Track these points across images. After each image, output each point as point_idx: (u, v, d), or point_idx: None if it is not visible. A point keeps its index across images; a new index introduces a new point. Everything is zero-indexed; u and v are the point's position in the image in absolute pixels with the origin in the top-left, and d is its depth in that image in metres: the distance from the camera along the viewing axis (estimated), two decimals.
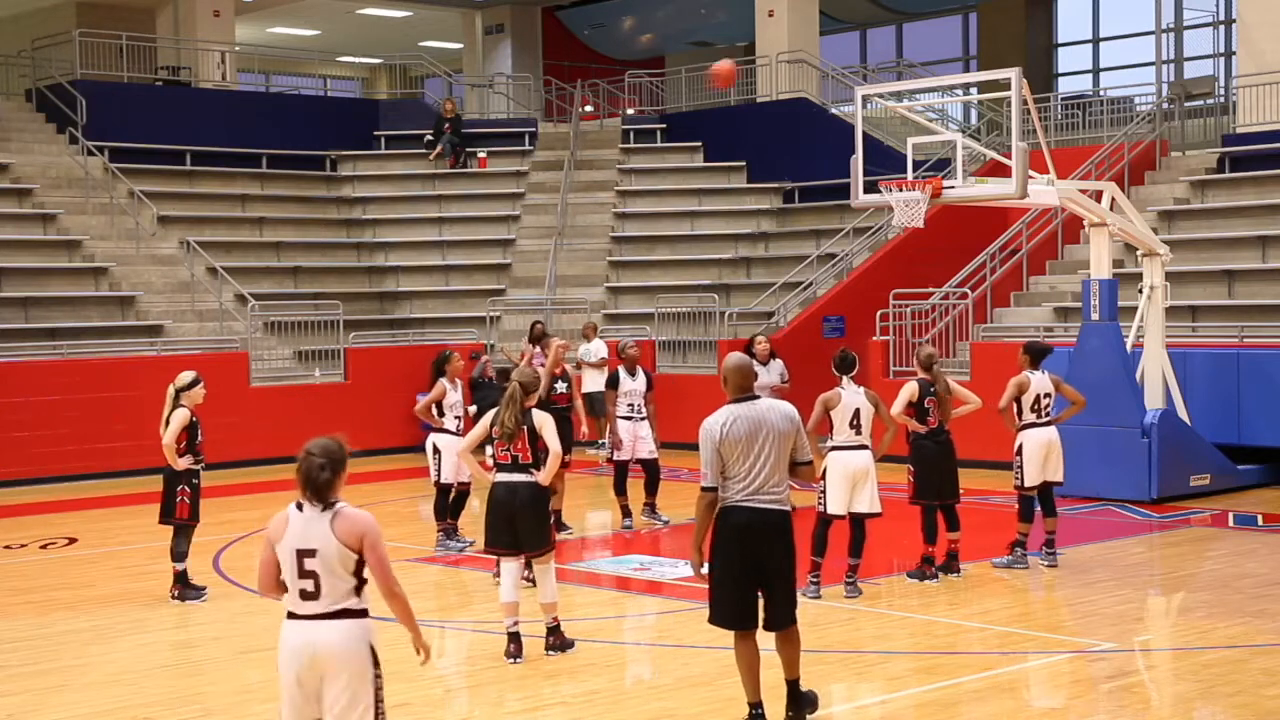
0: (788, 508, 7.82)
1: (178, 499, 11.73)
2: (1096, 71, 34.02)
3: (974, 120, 29.65)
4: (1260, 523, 14.91)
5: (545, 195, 27.85)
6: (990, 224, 22.19)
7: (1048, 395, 12.51)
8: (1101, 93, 30.00)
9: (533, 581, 10.43)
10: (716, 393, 8.05)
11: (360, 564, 5.93)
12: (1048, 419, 12.49)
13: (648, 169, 28.69)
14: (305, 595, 5.90)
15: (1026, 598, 11.70)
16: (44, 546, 14.77)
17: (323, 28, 38.84)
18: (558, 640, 9.83)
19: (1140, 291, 16.92)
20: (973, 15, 36.18)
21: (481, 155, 28.75)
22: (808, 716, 8.06)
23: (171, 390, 11.88)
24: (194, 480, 11.70)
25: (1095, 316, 16.31)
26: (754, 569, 7.70)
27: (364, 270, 26.42)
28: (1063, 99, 28.33)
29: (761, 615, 7.79)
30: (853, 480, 11.20)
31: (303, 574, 5.90)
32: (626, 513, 15.14)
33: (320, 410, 21.72)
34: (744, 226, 27.00)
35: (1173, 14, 29.19)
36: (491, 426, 9.86)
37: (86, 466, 19.63)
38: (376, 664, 5.93)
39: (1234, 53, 26.16)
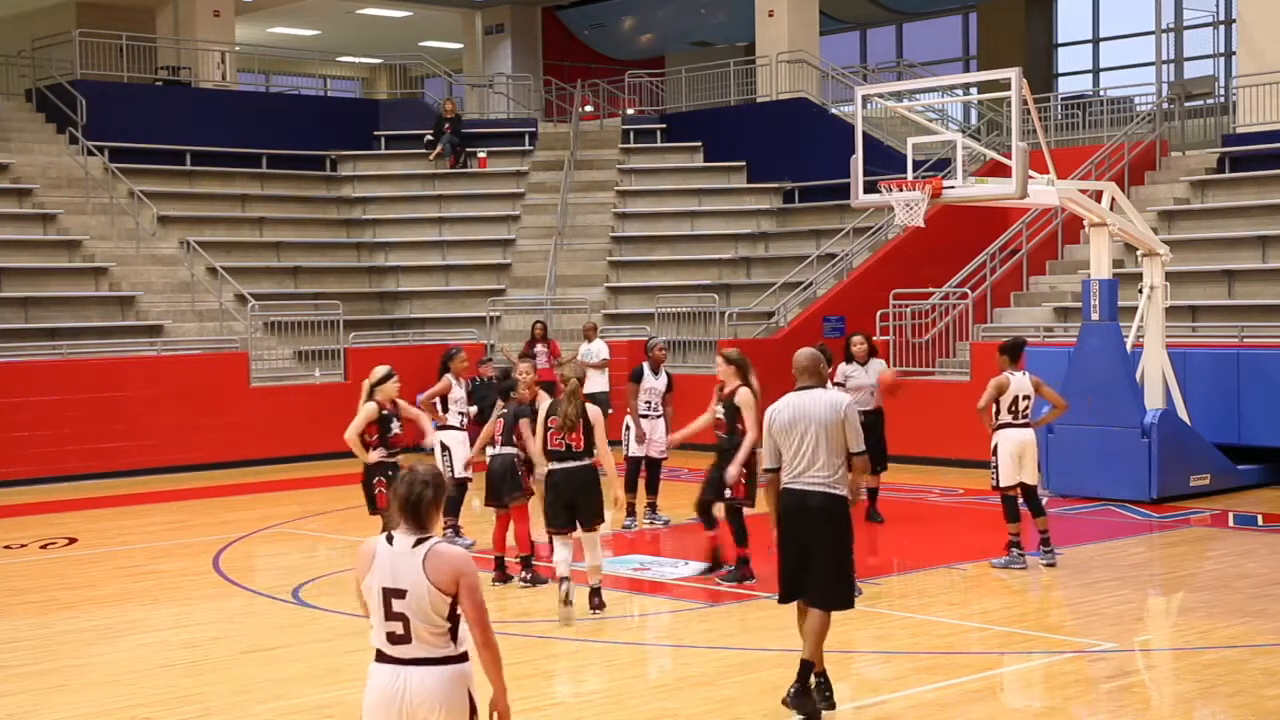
0: (835, 491, 8.14)
1: (376, 490, 11.89)
2: (1096, 71, 34.03)
3: (974, 120, 29.65)
4: (1260, 523, 14.90)
5: (545, 195, 27.85)
6: (990, 224, 22.20)
7: (1026, 397, 12.53)
8: (1101, 93, 30.01)
9: (531, 582, 11.52)
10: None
11: (454, 606, 5.31)
12: (1024, 420, 12.52)
13: (648, 169, 28.69)
14: (393, 639, 5.31)
15: (1026, 598, 11.70)
16: (44, 546, 14.77)
17: (323, 28, 38.84)
18: (599, 601, 10.92)
19: (1140, 291, 16.92)
20: (973, 15, 36.18)
21: (481, 155, 28.75)
22: (810, 711, 8.08)
23: (366, 385, 12.00)
24: (389, 472, 11.82)
25: (1095, 316, 16.31)
26: (799, 548, 8.16)
27: (364, 270, 26.42)
28: (1063, 99, 28.34)
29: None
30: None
31: (390, 615, 5.29)
32: (630, 511, 15.13)
33: (320, 410, 21.70)
34: (744, 226, 27.00)
35: (1173, 14, 29.19)
36: (548, 418, 10.86)
37: (86, 466, 19.63)
38: (474, 715, 5.43)
39: (1234, 53, 26.16)
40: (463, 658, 5.39)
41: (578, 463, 10.79)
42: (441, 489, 5.41)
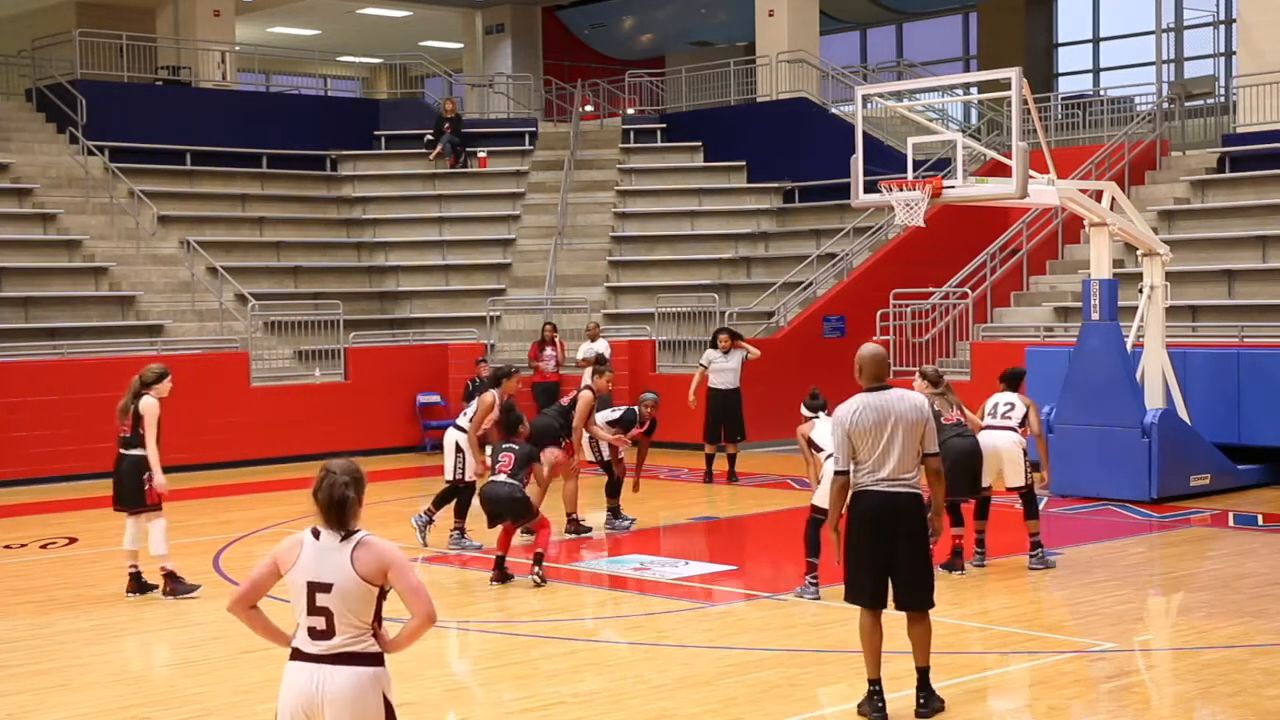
0: (918, 492, 8.12)
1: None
2: (1096, 71, 34.03)
3: (974, 120, 29.66)
4: (1260, 523, 14.90)
5: (545, 195, 27.85)
6: (990, 224, 22.20)
7: (1009, 404, 12.77)
8: (1101, 93, 30.02)
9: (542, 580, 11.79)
10: None
11: (380, 603, 5.33)
12: (1004, 424, 12.66)
13: (648, 169, 28.69)
14: (315, 634, 5.31)
15: (1026, 598, 11.69)
16: (44, 546, 14.77)
17: (323, 28, 38.84)
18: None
19: (1140, 291, 16.92)
20: (973, 15, 36.19)
21: (481, 155, 28.74)
22: (936, 714, 8.16)
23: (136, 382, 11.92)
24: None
25: (1095, 316, 16.31)
26: (884, 551, 8.07)
27: (364, 270, 26.42)
28: (1063, 99, 28.34)
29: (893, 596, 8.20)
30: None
31: (314, 610, 5.29)
32: (618, 514, 15.11)
33: (320, 410, 21.75)
34: (744, 226, 27.00)
35: (1173, 14, 29.20)
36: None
37: (86, 466, 19.59)
38: (391, 716, 5.37)
39: (1234, 53, 26.17)
40: (380, 659, 5.36)
41: None
42: (361, 485, 5.35)
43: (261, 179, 27.45)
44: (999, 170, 16.98)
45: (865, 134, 16.05)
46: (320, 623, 5.29)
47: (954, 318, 20.77)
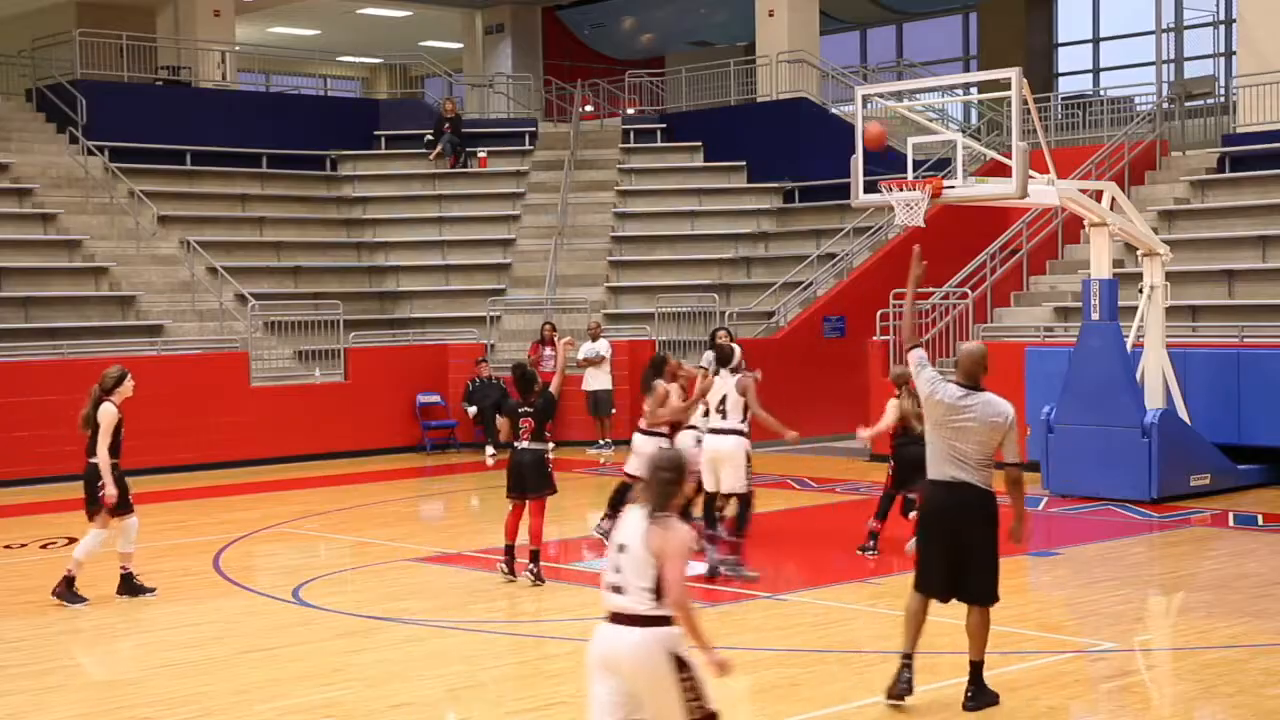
0: (985, 488, 8.18)
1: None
2: (1096, 71, 34.02)
3: (974, 120, 29.65)
4: (1260, 523, 14.90)
5: (545, 195, 27.84)
6: (990, 224, 22.19)
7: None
8: (1101, 93, 30.02)
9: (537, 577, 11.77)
10: None
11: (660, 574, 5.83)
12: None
13: (648, 169, 28.68)
14: (613, 589, 5.91)
15: (1026, 598, 11.69)
16: (44, 546, 14.77)
17: (323, 28, 38.84)
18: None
19: (1140, 291, 16.92)
20: (973, 15, 36.18)
21: (481, 155, 28.74)
22: (985, 707, 8.23)
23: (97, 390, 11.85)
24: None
25: (1095, 316, 16.31)
26: (950, 545, 8.20)
27: (364, 270, 26.42)
28: (1063, 99, 28.34)
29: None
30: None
31: (615, 568, 5.91)
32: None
33: (320, 410, 21.74)
34: (744, 226, 27.00)
35: (1173, 14, 29.19)
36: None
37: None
38: (686, 669, 5.85)
39: (1234, 53, 26.16)
40: (666, 621, 5.86)
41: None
42: (682, 473, 5.99)
43: (261, 179, 27.44)
44: (999, 170, 16.96)
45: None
46: (616, 579, 5.92)
47: (954, 318, 20.76)
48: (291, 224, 26.77)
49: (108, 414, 11.59)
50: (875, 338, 20.58)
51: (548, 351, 22.23)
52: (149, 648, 10.56)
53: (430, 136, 28.46)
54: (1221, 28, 30.25)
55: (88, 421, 11.66)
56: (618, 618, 5.87)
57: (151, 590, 11.93)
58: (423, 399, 22.80)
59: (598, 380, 22.08)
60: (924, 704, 8.55)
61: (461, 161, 28.39)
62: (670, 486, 5.93)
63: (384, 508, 16.72)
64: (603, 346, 22.07)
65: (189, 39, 29.97)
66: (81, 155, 24.87)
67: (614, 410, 22.14)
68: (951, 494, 8.19)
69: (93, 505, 11.70)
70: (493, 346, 23.80)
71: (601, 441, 21.82)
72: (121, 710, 8.79)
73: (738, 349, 12.84)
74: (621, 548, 5.90)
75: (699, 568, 12.61)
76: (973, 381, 8.33)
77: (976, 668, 8.34)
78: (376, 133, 29.42)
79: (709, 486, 12.25)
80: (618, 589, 5.88)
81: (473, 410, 22.34)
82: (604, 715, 5.89)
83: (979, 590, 8.29)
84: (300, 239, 26.33)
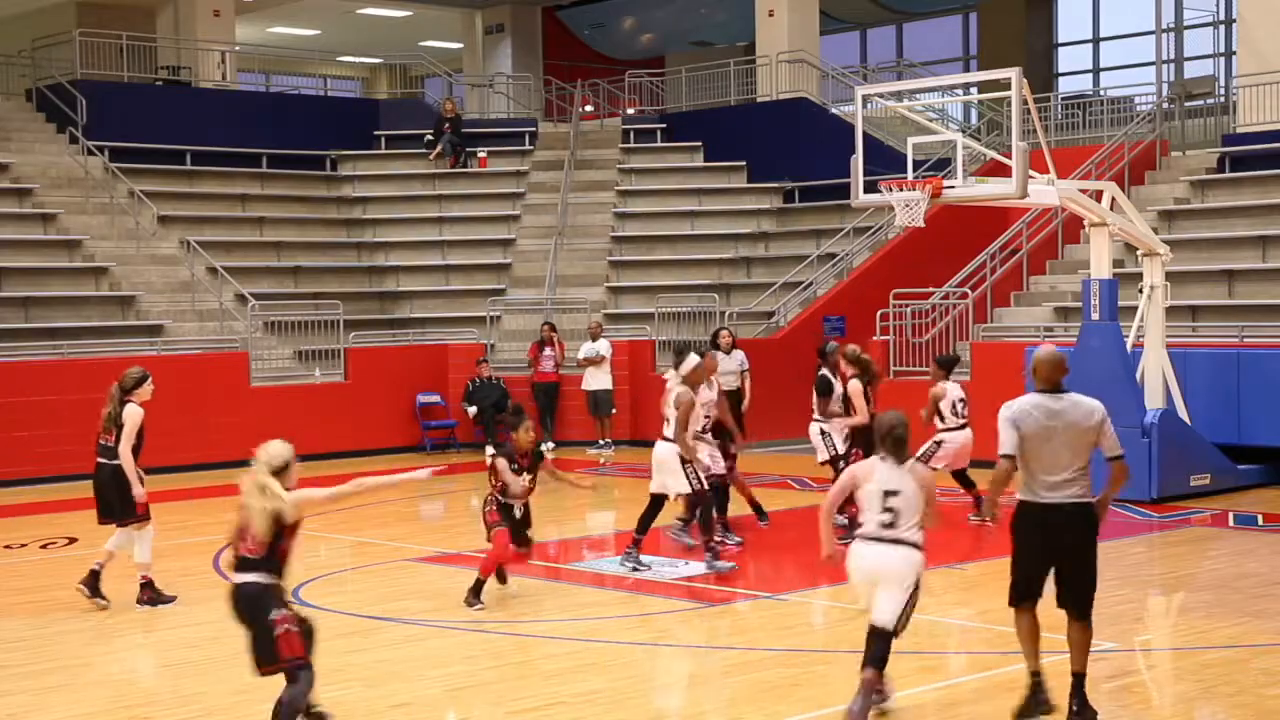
0: (1082, 501, 8.05)
1: None
2: (1096, 71, 34.03)
3: (974, 120, 29.65)
4: (1260, 523, 14.90)
5: (545, 195, 27.84)
6: (990, 224, 22.19)
7: (961, 400, 14.61)
8: (1101, 93, 30.02)
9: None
10: None
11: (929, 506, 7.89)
12: (964, 421, 14.61)
13: (648, 169, 28.68)
14: (884, 525, 7.84)
15: None
16: (44, 546, 14.77)
17: (323, 28, 38.84)
18: None
19: (1140, 291, 16.92)
20: (973, 15, 36.19)
21: (481, 155, 28.74)
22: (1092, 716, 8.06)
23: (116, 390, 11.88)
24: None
25: (1095, 316, 16.30)
26: (1052, 556, 8.06)
27: (364, 270, 26.42)
28: (1063, 99, 28.35)
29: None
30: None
31: (885, 509, 7.81)
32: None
33: (320, 410, 21.73)
34: (744, 226, 27.00)
35: (1173, 14, 29.20)
36: None
37: (86, 466, 19.35)
38: (917, 589, 7.96)
39: (1234, 52, 26.17)
40: (920, 547, 7.92)
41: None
42: (908, 427, 7.91)
43: (261, 179, 27.44)
44: (999, 170, 16.96)
45: (865, 134, 16.06)
46: (889, 518, 7.84)
47: (954, 318, 20.75)
48: (291, 224, 26.77)
49: (134, 414, 11.60)
50: (875, 338, 20.57)
51: (547, 351, 22.24)
52: (149, 648, 10.56)
53: (430, 136, 28.46)
54: (1221, 28, 30.26)
55: (112, 421, 11.64)
56: (890, 541, 7.87)
57: (172, 599, 11.85)
58: (423, 399, 22.79)
59: (598, 380, 22.08)
60: (924, 704, 8.56)
61: (461, 161, 28.39)
62: (904, 441, 7.86)
63: (384, 508, 16.71)
64: (603, 346, 22.07)
65: (189, 39, 29.98)
66: (81, 155, 24.88)
67: (614, 410, 22.15)
68: (1049, 513, 7.95)
69: (124, 508, 11.61)
70: (493, 346, 23.80)
71: (601, 441, 21.82)
72: (121, 710, 8.79)
73: (692, 358, 12.87)
74: (891, 494, 7.80)
75: (699, 568, 12.62)
76: (1055, 386, 8.02)
77: (1079, 680, 8.14)
78: (376, 133, 29.42)
79: (653, 488, 12.71)
80: (890, 525, 7.83)
81: (473, 410, 22.33)
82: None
83: (1084, 600, 8.12)
84: (300, 239, 26.33)
